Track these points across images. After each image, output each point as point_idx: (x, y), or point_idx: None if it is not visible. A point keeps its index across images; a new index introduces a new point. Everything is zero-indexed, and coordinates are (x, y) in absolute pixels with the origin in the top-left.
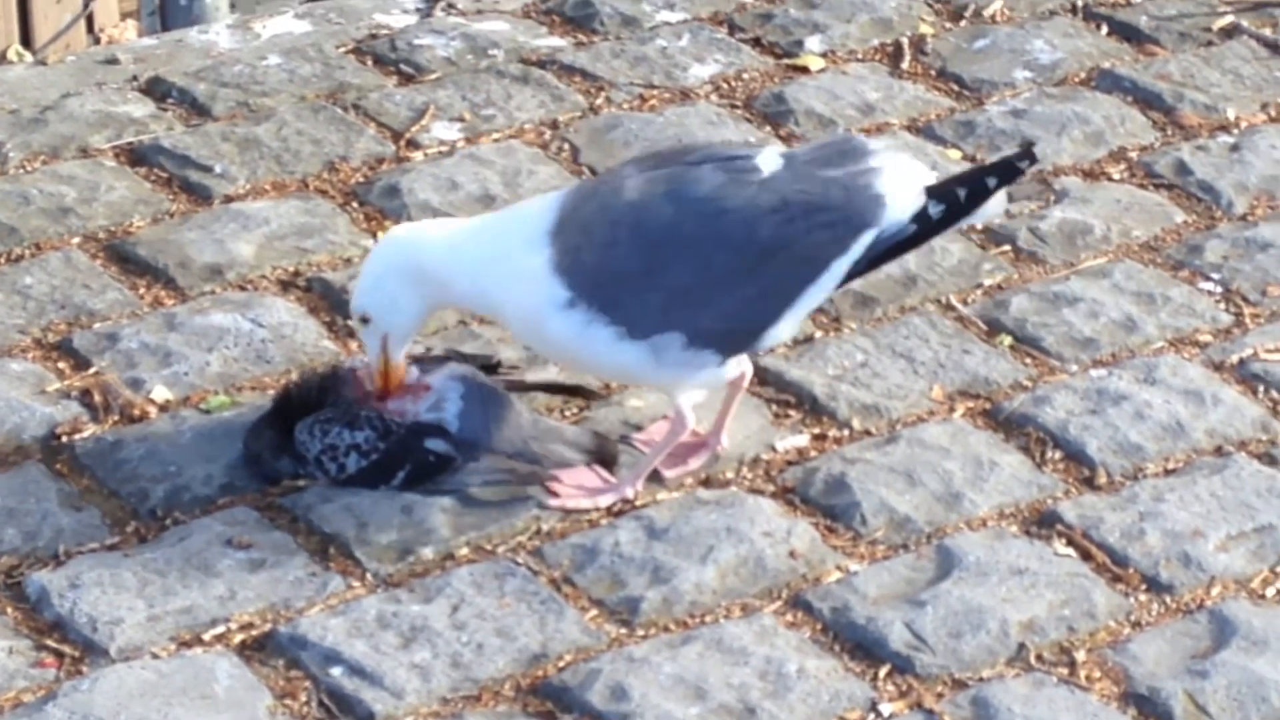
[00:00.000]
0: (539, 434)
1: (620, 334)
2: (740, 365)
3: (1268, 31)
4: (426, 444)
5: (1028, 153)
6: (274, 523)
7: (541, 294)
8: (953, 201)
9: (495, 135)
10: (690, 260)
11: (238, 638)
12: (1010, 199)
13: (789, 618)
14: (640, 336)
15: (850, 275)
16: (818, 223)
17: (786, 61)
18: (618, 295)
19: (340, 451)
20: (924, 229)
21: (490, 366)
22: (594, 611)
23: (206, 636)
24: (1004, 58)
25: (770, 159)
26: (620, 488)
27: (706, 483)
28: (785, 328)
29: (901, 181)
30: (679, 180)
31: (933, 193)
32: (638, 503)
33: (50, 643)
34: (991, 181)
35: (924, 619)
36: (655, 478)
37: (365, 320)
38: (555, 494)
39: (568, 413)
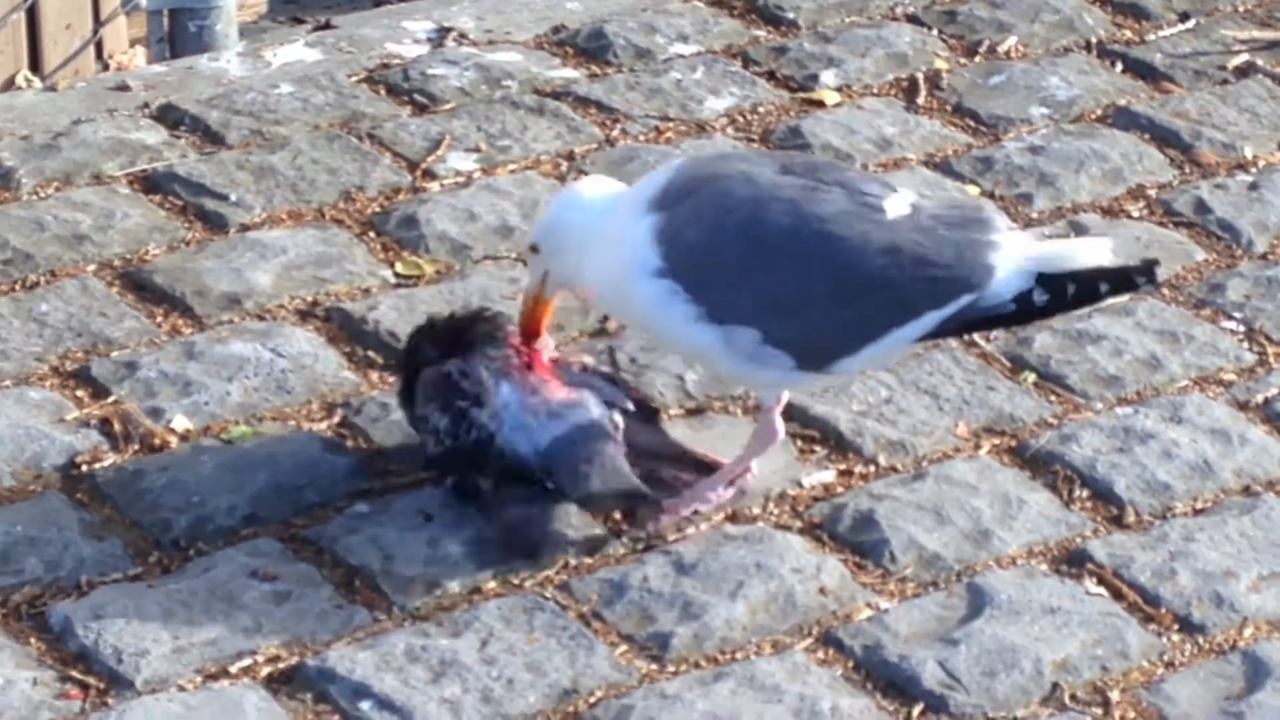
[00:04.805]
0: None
1: (699, 314)
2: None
3: None
4: (476, 466)
5: (1148, 270)
6: (298, 554)
7: (635, 258)
8: (1059, 294)
9: (512, 166)
10: (789, 272)
11: (265, 670)
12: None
13: (820, 655)
14: (717, 322)
15: (939, 331)
16: (923, 275)
17: (801, 95)
18: (708, 279)
19: (426, 426)
20: (1023, 310)
21: (647, 409)
22: (624, 647)
23: (233, 669)
24: (1020, 94)
25: (899, 204)
26: (705, 492)
27: (733, 518)
28: (859, 361)
29: (1015, 260)
30: (806, 194)
31: (1043, 280)
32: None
33: (75, 674)
34: (1104, 288)
35: (957, 658)
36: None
37: (535, 250)
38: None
39: None
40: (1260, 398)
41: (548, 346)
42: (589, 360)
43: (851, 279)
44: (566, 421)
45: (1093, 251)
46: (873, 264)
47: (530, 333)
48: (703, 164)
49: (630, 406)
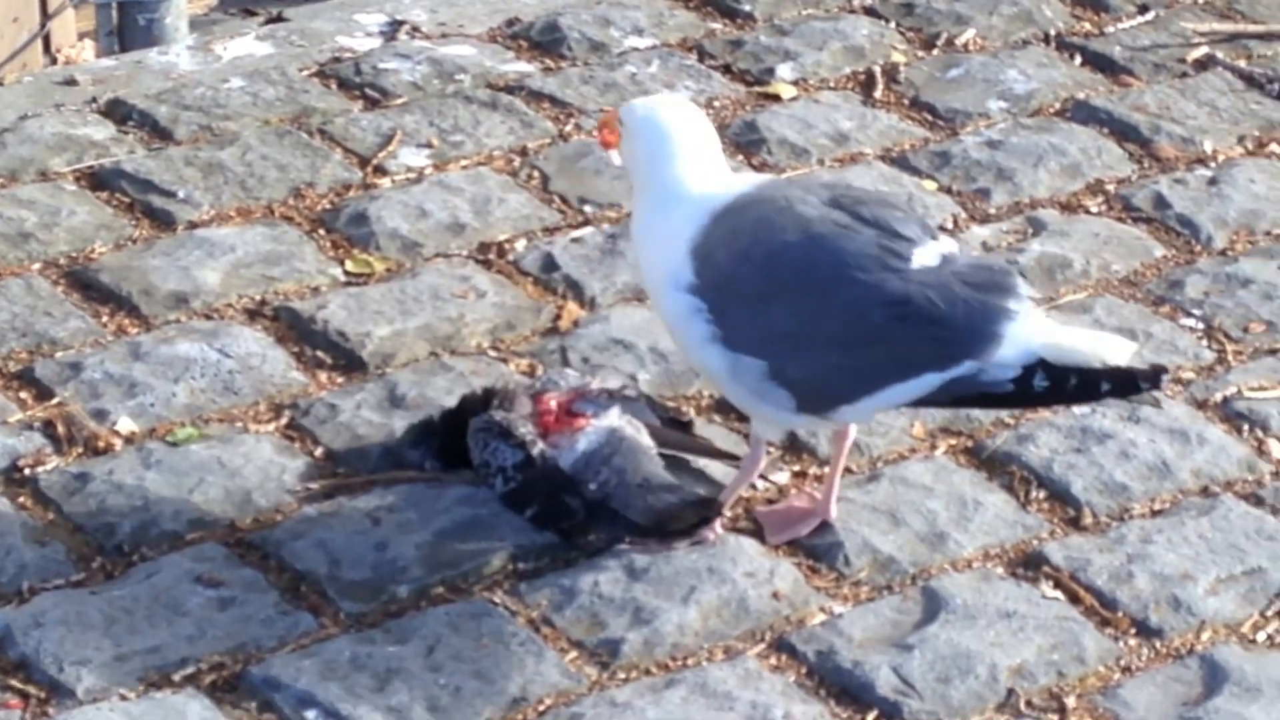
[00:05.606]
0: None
1: (714, 336)
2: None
3: (1242, 63)
4: (561, 494)
5: (1154, 377)
6: (243, 559)
7: (672, 267)
8: (1059, 384)
9: (464, 162)
10: (802, 310)
11: (208, 679)
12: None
13: (773, 660)
14: (729, 348)
15: (938, 398)
16: (928, 334)
17: (758, 89)
18: (728, 304)
19: (491, 471)
20: (1021, 392)
21: (680, 423)
22: (574, 653)
23: (176, 677)
24: (978, 87)
25: (928, 254)
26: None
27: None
28: (861, 410)
29: (1025, 338)
30: (837, 231)
31: (1047, 366)
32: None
33: (15, 683)
34: (1105, 387)
35: (911, 663)
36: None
37: (621, 122)
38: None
39: None
40: (1219, 396)
41: (568, 377)
42: (614, 384)
43: (856, 325)
44: (587, 439)
45: (1106, 348)
46: (880, 314)
47: (602, 144)
48: (769, 186)
49: (656, 421)
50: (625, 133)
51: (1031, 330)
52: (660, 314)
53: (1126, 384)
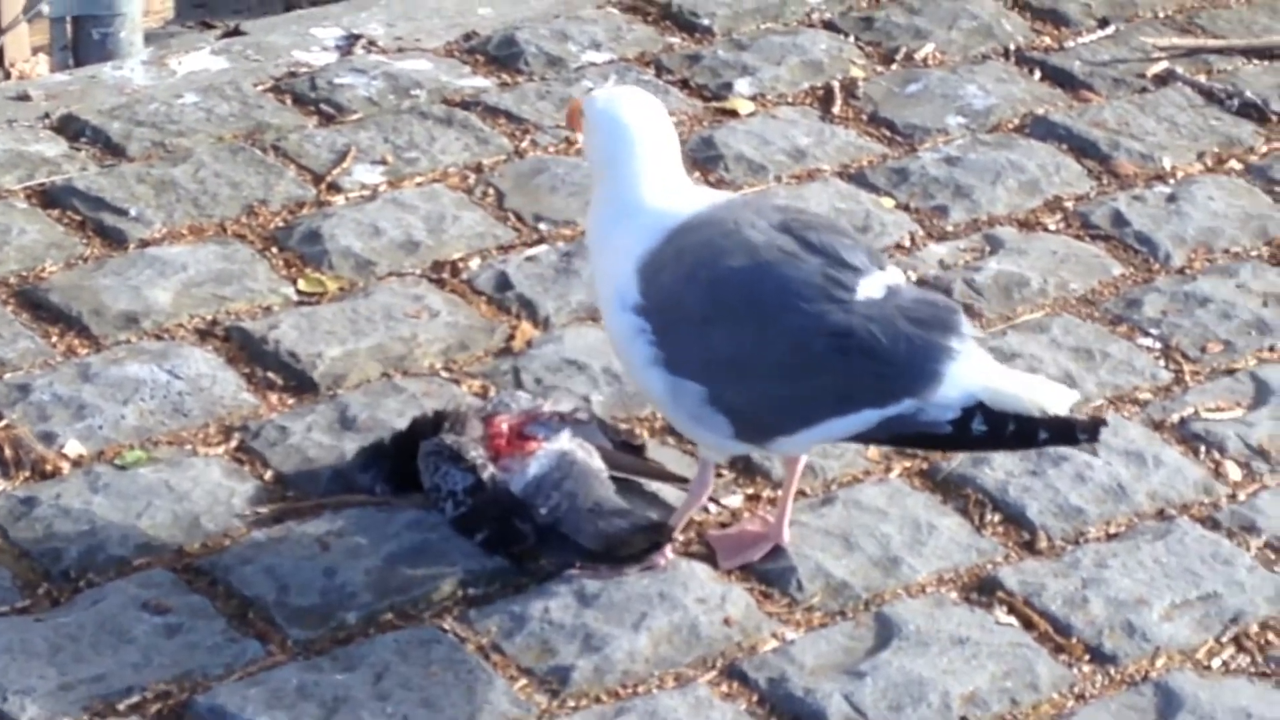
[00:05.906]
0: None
1: (656, 358)
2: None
3: (1202, 78)
4: (512, 518)
5: (1093, 429)
6: (191, 585)
7: (619, 285)
8: (998, 429)
9: (418, 179)
10: (745, 337)
11: (154, 708)
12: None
13: (724, 688)
14: (670, 371)
15: (876, 435)
16: (868, 369)
17: (715, 105)
18: (671, 326)
19: (441, 495)
20: (958, 435)
21: (632, 446)
22: (523, 681)
23: (121, 706)
24: (936, 103)
25: (874, 285)
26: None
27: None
28: (799, 442)
29: (966, 380)
30: (782, 259)
31: (986, 410)
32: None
33: None
34: (1043, 435)
35: (863, 691)
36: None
37: (581, 112)
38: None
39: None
40: (1176, 417)
41: (520, 400)
42: (566, 407)
43: (797, 355)
44: (538, 463)
45: (1047, 396)
46: (821, 344)
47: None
48: (722, 208)
49: (608, 444)
50: (586, 125)
51: (972, 371)
52: (608, 330)
53: (1065, 434)
